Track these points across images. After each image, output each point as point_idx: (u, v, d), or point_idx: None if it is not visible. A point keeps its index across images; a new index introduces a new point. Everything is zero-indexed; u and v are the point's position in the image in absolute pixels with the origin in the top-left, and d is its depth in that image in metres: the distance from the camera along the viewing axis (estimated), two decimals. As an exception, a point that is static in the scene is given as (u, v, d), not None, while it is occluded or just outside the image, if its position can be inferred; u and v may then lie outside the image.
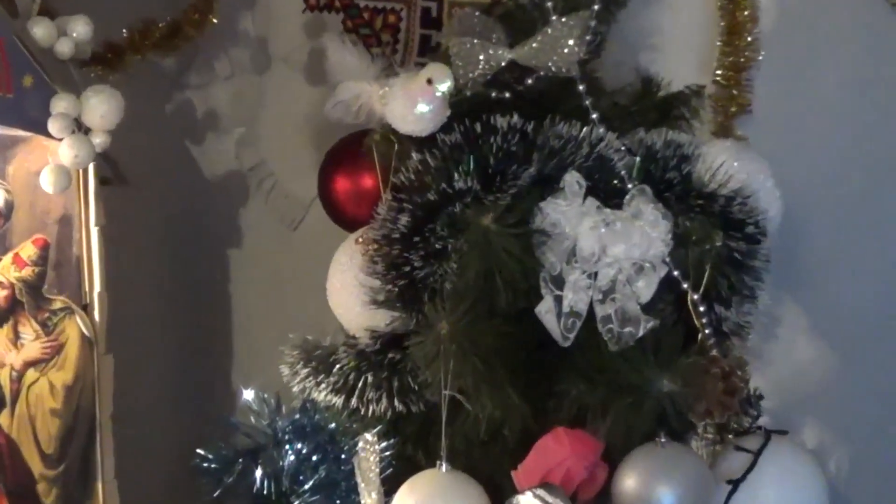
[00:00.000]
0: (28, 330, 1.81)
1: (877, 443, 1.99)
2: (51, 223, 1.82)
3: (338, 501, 1.73)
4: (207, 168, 2.27)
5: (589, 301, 1.60)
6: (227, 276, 2.28)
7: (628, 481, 1.61)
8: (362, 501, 1.66)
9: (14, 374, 1.80)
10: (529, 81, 1.71)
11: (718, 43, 1.95)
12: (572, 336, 1.60)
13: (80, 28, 1.79)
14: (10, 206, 1.80)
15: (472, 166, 1.62)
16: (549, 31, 1.66)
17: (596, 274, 1.60)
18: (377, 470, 1.66)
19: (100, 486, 1.83)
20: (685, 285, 1.65)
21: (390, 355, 1.71)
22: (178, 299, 2.28)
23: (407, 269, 1.64)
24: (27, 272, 1.80)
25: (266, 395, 1.76)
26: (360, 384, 1.71)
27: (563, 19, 1.66)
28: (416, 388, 1.69)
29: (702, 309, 1.65)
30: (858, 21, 1.96)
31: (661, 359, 1.61)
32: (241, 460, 1.74)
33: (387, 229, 1.66)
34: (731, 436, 1.71)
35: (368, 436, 1.68)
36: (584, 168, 1.63)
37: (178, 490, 1.86)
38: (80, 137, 1.74)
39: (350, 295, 1.73)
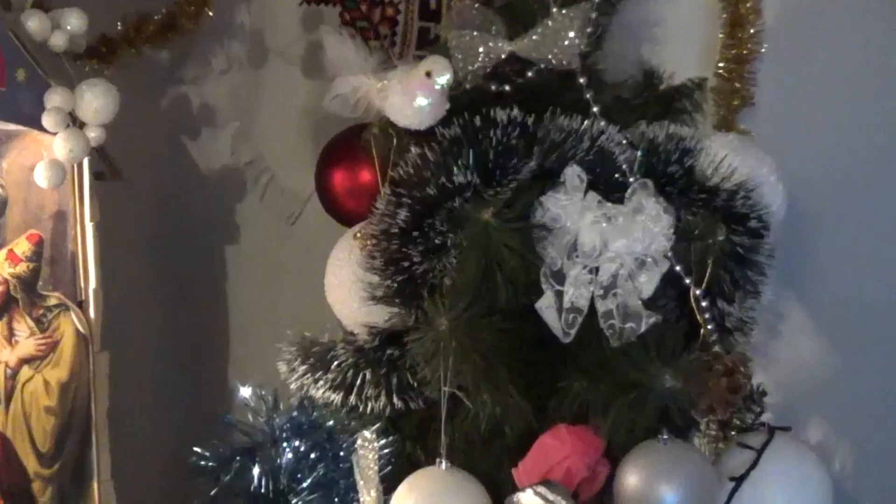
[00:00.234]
0: (22, 327, 1.81)
1: (881, 439, 1.99)
2: (45, 219, 1.82)
3: (336, 500, 1.73)
4: (203, 163, 2.27)
5: (590, 296, 1.59)
6: (224, 272, 2.28)
7: (630, 479, 1.60)
8: (361, 499, 1.66)
9: (8, 371, 1.80)
10: (530, 74, 1.70)
11: (721, 35, 1.94)
12: (573, 332, 1.59)
13: (74, 21, 1.79)
14: (3, 202, 1.80)
15: (471, 160, 1.61)
16: (550, 23, 1.65)
17: (597, 269, 1.59)
18: (376, 468, 1.66)
19: (95, 484, 1.83)
20: (687, 280, 1.64)
21: (389, 352, 1.70)
22: (174, 296, 2.27)
23: (406, 264, 1.64)
24: (21, 268, 1.80)
25: (263, 393, 1.76)
26: (358, 381, 1.71)
27: (564, 11, 1.65)
28: (416, 384, 1.68)
29: (704, 304, 1.64)
30: (862, 12, 1.95)
31: (663, 355, 1.60)
32: (238, 458, 1.73)
33: (385, 224, 1.65)
34: (734, 433, 1.70)
35: (367, 433, 1.68)
36: (585, 162, 1.62)
37: (175, 489, 1.86)
38: (75, 132, 1.74)
39: (348, 291, 1.73)
